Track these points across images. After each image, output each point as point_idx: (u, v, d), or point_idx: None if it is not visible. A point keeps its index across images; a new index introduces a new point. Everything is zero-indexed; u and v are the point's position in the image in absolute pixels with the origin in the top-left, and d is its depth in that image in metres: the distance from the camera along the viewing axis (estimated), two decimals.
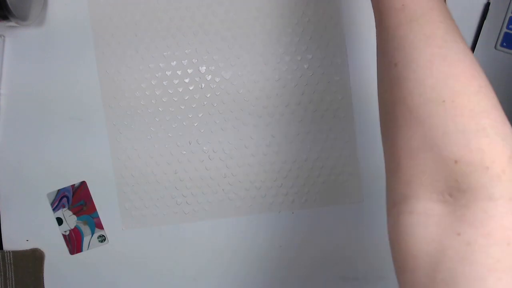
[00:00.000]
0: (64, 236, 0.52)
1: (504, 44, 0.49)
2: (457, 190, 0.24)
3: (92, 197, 0.51)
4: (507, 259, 0.22)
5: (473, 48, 0.49)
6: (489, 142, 0.24)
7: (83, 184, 0.51)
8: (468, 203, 0.24)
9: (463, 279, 0.22)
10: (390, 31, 0.30)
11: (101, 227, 0.51)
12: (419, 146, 0.26)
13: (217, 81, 0.50)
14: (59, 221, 0.51)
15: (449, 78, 0.26)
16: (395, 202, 0.27)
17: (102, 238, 0.52)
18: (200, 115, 0.50)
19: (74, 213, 0.51)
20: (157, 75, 0.50)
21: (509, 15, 0.48)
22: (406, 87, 0.27)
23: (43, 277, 0.52)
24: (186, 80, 0.50)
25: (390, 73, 0.29)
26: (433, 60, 0.26)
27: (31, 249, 0.51)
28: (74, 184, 0.51)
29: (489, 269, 0.22)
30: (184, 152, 0.51)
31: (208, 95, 0.50)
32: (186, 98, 0.50)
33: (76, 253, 0.52)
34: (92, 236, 0.52)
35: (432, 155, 0.25)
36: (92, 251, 0.52)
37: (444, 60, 0.26)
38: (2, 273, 0.51)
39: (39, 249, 0.51)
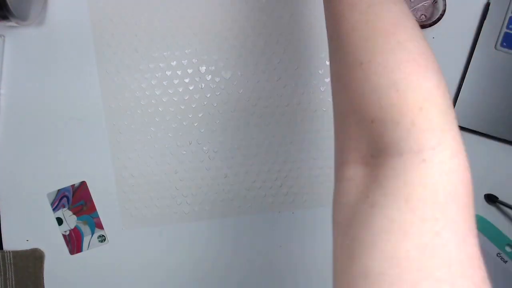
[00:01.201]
0: (64, 236, 0.52)
1: (504, 44, 0.49)
2: (376, 150, 0.23)
3: (92, 197, 0.51)
4: (402, 218, 0.20)
5: (473, 48, 0.49)
6: (399, 96, 0.22)
7: (83, 184, 0.51)
8: (383, 162, 0.22)
9: (358, 244, 0.21)
10: (325, 5, 0.30)
11: (101, 227, 0.51)
12: (346, 112, 0.26)
13: (217, 81, 0.50)
14: (59, 221, 0.51)
15: (368, 40, 0.25)
16: (335, 169, 0.27)
17: (102, 238, 0.52)
18: (200, 115, 0.50)
19: (74, 213, 0.51)
20: (157, 75, 0.50)
21: (509, 15, 0.48)
22: (334, 56, 0.27)
23: (43, 277, 0.52)
24: (186, 80, 0.50)
25: (329, 45, 0.29)
26: (356, 26, 0.26)
27: (31, 249, 0.51)
28: (74, 184, 0.51)
29: (382, 231, 0.20)
30: (184, 152, 0.51)
31: (208, 95, 0.50)
32: (186, 98, 0.50)
33: (76, 253, 0.52)
34: (92, 236, 0.51)
35: (355, 119, 0.25)
36: (92, 251, 0.52)
37: (366, 24, 0.25)
38: (2, 273, 0.51)
39: (39, 249, 0.51)
